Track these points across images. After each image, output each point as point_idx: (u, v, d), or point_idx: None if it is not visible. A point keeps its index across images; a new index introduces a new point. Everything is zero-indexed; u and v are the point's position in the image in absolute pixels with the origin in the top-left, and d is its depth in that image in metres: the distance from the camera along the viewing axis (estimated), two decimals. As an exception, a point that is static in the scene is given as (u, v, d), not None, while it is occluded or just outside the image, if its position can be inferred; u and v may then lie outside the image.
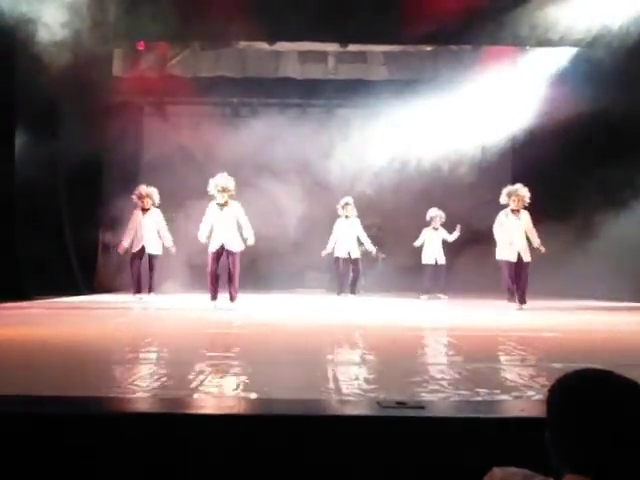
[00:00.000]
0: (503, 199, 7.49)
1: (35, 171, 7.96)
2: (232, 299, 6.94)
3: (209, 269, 6.93)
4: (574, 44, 8.65)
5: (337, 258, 8.99)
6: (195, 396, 2.42)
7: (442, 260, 9.72)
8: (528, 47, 9.59)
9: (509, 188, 7.53)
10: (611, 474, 1.04)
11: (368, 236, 9.29)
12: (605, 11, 7.74)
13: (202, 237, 6.98)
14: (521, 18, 7.76)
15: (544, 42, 8.44)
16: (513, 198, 7.38)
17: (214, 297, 6.96)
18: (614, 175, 8.17)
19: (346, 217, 8.94)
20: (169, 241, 7.78)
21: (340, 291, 9.03)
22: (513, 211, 7.41)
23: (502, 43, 9.18)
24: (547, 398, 1.14)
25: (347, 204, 8.95)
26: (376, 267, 11.13)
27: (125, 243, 7.74)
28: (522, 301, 7.27)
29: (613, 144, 8.72)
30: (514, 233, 7.36)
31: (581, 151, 9.50)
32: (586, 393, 1.09)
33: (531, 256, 7.41)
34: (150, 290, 7.80)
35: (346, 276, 9.06)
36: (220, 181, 6.97)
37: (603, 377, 1.11)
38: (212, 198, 7.02)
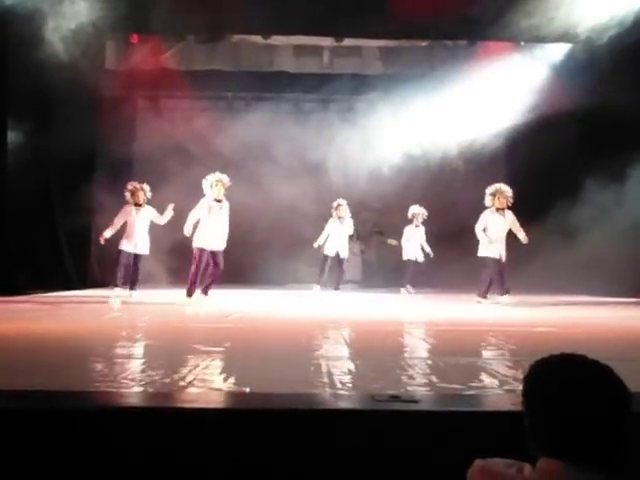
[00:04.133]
0: (488, 200, 7.57)
1: (27, 165, 7.91)
2: (205, 293, 7.04)
3: (202, 266, 6.89)
4: (569, 40, 8.66)
5: (326, 256, 9.03)
6: (188, 390, 2.42)
7: (421, 258, 9.85)
8: (523, 43, 9.61)
9: (492, 188, 7.61)
10: (581, 456, 1.07)
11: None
12: (601, 7, 7.75)
13: (189, 229, 6.97)
14: (517, 13, 7.76)
15: (539, 38, 8.45)
16: (498, 196, 7.50)
17: (193, 291, 6.96)
18: (609, 171, 8.21)
19: (339, 218, 8.95)
20: (169, 214, 7.58)
21: (320, 284, 9.02)
22: (498, 210, 7.52)
23: (497, 38, 9.19)
24: (522, 385, 1.19)
25: (340, 205, 8.96)
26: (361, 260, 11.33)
27: (107, 234, 7.61)
28: (501, 293, 7.48)
29: (607, 140, 8.74)
30: (498, 231, 7.48)
31: (575, 146, 9.53)
32: (554, 377, 1.12)
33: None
34: (131, 289, 7.71)
35: (330, 273, 9.14)
36: (219, 175, 6.98)
37: (572, 361, 1.14)
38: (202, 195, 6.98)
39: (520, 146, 10.60)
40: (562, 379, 1.11)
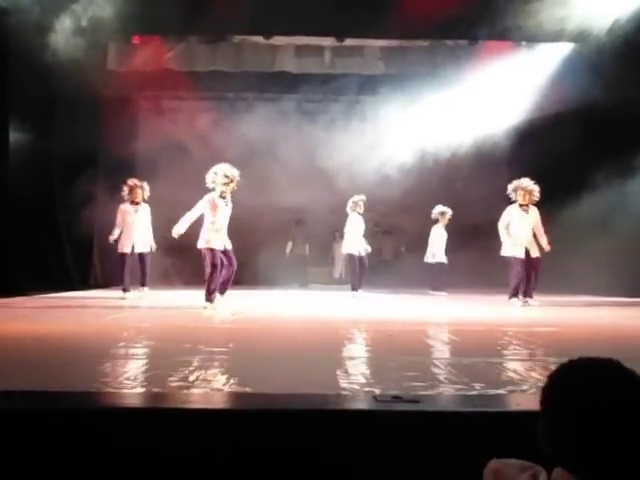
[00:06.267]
0: (511, 195, 7.37)
1: (30, 165, 7.92)
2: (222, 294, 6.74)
3: (217, 267, 6.26)
4: (572, 39, 8.63)
5: (352, 255, 8.87)
6: (191, 391, 2.41)
7: (444, 259, 9.82)
8: (524, 42, 9.58)
9: (515, 183, 7.38)
10: (599, 474, 0.98)
11: (368, 231, 9.31)
12: (603, 7, 7.72)
13: (181, 229, 6.37)
14: (518, 13, 7.73)
15: (541, 37, 8.42)
16: (520, 192, 7.27)
17: (214, 295, 6.36)
18: (613, 171, 8.18)
19: (358, 214, 8.87)
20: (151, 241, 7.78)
21: (355, 287, 8.84)
22: (521, 206, 7.30)
23: (499, 38, 9.16)
24: (543, 387, 1.09)
25: (362, 200, 8.84)
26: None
27: (115, 234, 7.65)
28: (529, 295, 7.25)
29: (612, 139, 8.71)
30: (521, 229, 7.25)
31: (580, 146, 9.48)
32: (581, 386, 1.01)
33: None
34: (142, 285, 7.75)
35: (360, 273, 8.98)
36: (229, 171, 6.37)
37: (602, 369, 1.03)
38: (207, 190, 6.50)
39: (524, 146, 10.58)
40: (593, 390, 0.99)
